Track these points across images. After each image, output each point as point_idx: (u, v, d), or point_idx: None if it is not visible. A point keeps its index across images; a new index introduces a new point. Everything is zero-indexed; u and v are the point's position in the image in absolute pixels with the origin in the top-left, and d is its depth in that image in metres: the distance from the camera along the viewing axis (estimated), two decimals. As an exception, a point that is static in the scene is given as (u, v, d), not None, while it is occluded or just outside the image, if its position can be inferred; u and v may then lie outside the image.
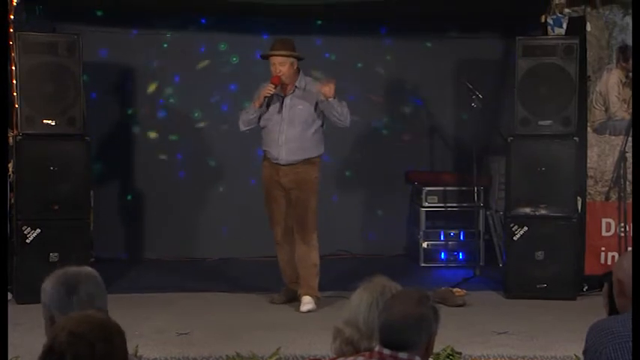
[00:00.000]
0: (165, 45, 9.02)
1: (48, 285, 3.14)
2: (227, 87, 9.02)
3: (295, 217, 7.02)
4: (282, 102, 6.92)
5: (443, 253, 8.86)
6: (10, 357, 5.32)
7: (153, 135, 9.13)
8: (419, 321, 3.00)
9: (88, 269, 3.23)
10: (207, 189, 9.15)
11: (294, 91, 6.96)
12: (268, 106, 6.91)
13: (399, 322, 3.00)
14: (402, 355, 2.98)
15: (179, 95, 9.07)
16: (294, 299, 7.07)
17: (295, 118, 6.94)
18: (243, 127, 7.09)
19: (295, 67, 6.94)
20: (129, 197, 9.11)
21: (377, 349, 3.04)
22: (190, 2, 7.79)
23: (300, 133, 6.94)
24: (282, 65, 6.84)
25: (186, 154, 9.08)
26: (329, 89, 6.76)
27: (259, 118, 7.01)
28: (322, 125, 7.06)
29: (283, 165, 6.96)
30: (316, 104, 6.95)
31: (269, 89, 6.81)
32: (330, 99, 6.79)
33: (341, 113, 6.89)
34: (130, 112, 9.12)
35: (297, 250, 7.04)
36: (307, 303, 6.86)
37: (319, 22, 8.90)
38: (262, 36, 8.65)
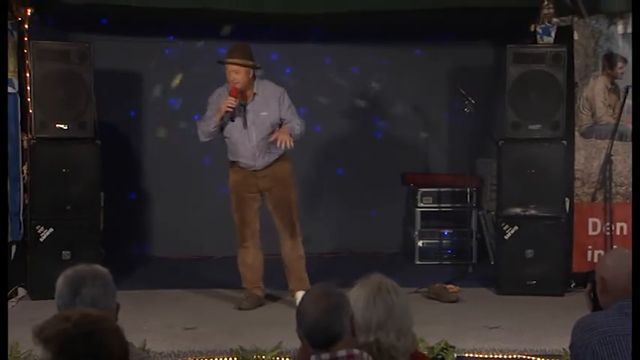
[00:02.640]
0: (174, 52, 9.14)
1: (59, 284, 3.18)
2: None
3: (279, 215, 6.93)
4: (244, 109, 6.75)
5: (437, 252, 8.93)
6: (23, 351, 5.45)
7: (160, 137, 9.23)
8: (338, 309, 3.03)
9: (97, 268, 3.25)
10: (211, 189, 9.11)
11: (253, 97, 6.77)
12: (232, 118, 6.71)
13: (322, 319, 3.01)
14: (341, 353, 2.99)
15: (185, 99, 9.14)
16: (261, 303, 7.03)
17: (261, 125, 6.77)
18: (204, 138, 6.89)
19: (251, 74, 6.73)
20: (134, 196, 9.22)
21: (313, 358, 3.02)
22: (197, 12, 7.83)
23: (269, 138, 6.74)
24: (237, 73, 6.63)
25: (192, 155, 9.12)
26: (285, 140, 6.60)
27: (221, 128, 6.82)
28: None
29: (260, 170, 6.86)
30: (278, 105, 6.79)
31: (230, 102, 6.59)
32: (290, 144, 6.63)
33: (299, 135, 6.79)
34: (138, 115, 9.23)
35: (284, 246, 6.97)
36: None
37: (318, 30, 8.97)
38: (267, 43, 8.78)
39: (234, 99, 6.62)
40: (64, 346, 2.32)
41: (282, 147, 6.65)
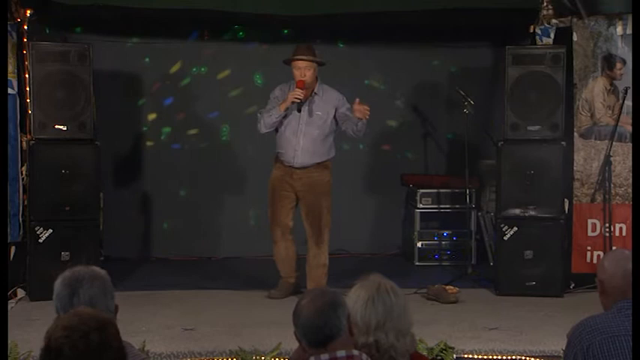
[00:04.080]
0: (174, 53, 9.15)
1: (57, 285, 3.19)
2: (232, 93, 9.15)
3: (309, 221, 7.14)
4: (301, 107, 7.00)
5: (436, 253, 8.96)
6: (23, 352, 5.46)
7: (160, 139, 9.24)
8: (334, 307, 3.06)
9: (96, 270, 3.26)
10: (212, 190, 9.24)
11: (312, 97, 7.06)
12: (299, 108, 6.95)
13: (318, 317, 3.04)
14: (340, 353, 3.02)
15: (187, 101, 9.21)
16: (291, 293, 7.12)
17: (313, 124, 7.04)
18: (264, 130, 7.12)
19: (316, 74, 7.05)
20: (138, 196, 9.25)
21: (312, 359, 3.04)
22: (197, 13, 7.86)
23: (316, 138, 7.05)
24: (307, 69, 6.95)
25: (193, 156, 9.22)
26: (363, 112, 6.86)
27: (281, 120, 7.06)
28: (334, 131, 7.18)
29: (297, 168, 7.05)
30: (334, 111, 7.05)
31: (298, 93, 6.89)
32: (361, 120, 6.91)
33: (359, 130, 7.02)
34: (137, 116, 9.22)
35: (309, 252, 7.17)
36: None
37: (318, 31, 8.86)
38: (266, 45, 8.87)
39: (301, 91, 6.91)
40: (63, 345, 2.37)
41: (360, 116, 6.88)
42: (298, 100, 6.92)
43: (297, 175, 7.09)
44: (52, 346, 2.38)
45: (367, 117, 6.90)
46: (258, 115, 7.20)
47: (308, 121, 7.04)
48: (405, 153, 9.55)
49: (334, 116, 7.09)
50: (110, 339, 2.43)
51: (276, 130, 7.13)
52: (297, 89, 6.91)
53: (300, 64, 6.96)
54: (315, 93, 7.07)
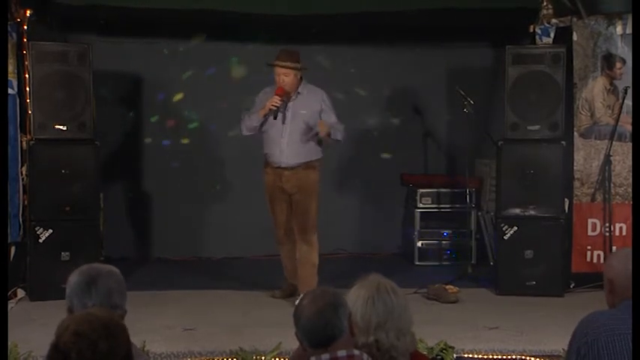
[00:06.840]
0: (174, 54, 9.18)
1: (72, 277, 3.22)
2: (231, 93, 9.13)
3: (297, 220, 7.15)
4: (286, 107, 7.02)
5: (436, 252, 8.98)
6: (23, 352, 5.45)
7: (160, 139, 9.27)
8: (335, 308, 3.06)
9: (112, 267, 3.29)
10: (211, 190, 9.29)
11: (296, 96, 7.07)
12: (275, 115, 6.97)
13: (319, 318, 3.04)
14: (341, 353, 3.02)
15: (186, 101, 9.24)
16: (294, 294, 7.12)
17: (297, 123, 7.03)
18: (245, 132, 7.21)
19: (298, 77, 7.06)
20: (131, 195, 9.29)
21: (313, 359, 3.04)
22: (196, 13, 7.88)
23: (301, 137, 7.03)
24: (286, 76, 6.96)
25: (192, 156, 9.25)
26: (323, 130, 6.95)
27: (262, 124, 7.09)
28: None
29: (285, 168, 7.06)
30: (319, 110, 7.06)
31: (275, 101, 6.90)
32: (326, 136, 7.00)
33: (335, 140, 7.14)
34: (137, 116, 9.27)
35: (299, 249, 7.16)
36: None
37: (317, 31, 8.92)
38: (266, 45, 8.82)
39: (279, 98, 6.94)
40: (71, 351, 2.39)
41: (318, 130, 6.96)
42: (275, 108, 6.94)
43: (286, 178, 7.10)
44: (60, 347, 2.39)
45: (325, 132, 6.96)
46: (242, 117, 7.26)
47: (292, 120, 7.04)
48: (405, 153, 9.56)
49: (318, 115, 7.11)
50: (119, 346, 2.43)
51: (262, 130, 7.16)
52: (275, 97, 6.94)
53: (280, 70, 7.00)
54: (299, 92, 7.08)
